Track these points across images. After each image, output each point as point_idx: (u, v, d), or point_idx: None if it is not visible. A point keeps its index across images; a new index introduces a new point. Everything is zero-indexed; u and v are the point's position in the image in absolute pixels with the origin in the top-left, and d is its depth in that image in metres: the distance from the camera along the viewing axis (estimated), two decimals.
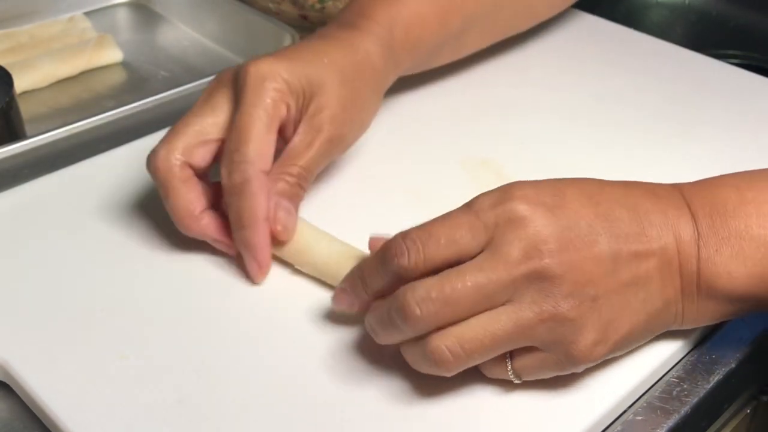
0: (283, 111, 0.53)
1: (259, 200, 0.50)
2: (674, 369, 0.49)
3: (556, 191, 0.44)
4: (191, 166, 0.52)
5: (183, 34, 0.87)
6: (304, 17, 0.83)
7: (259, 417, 0.44)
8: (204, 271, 0.53)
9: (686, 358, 0.50)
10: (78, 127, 0.64)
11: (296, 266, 0.53)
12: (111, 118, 0.65)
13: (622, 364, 0.47)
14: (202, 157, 0.53)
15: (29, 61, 0.77)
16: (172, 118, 0.67)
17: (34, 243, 0.55)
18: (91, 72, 0.80)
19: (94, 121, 0.64)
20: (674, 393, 0.48)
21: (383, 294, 0.45)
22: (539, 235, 0.42)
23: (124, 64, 0.82)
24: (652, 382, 0.48)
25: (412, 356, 0.44)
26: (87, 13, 0.87)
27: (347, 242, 0.53)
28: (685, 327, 0.47)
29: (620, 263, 0.43)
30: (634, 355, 0.47)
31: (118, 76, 0.81)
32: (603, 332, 0.43)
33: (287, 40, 0.75)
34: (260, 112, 0.51)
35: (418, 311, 0.41)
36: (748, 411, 0.59)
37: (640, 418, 0.46)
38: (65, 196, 0.59)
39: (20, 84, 0.74)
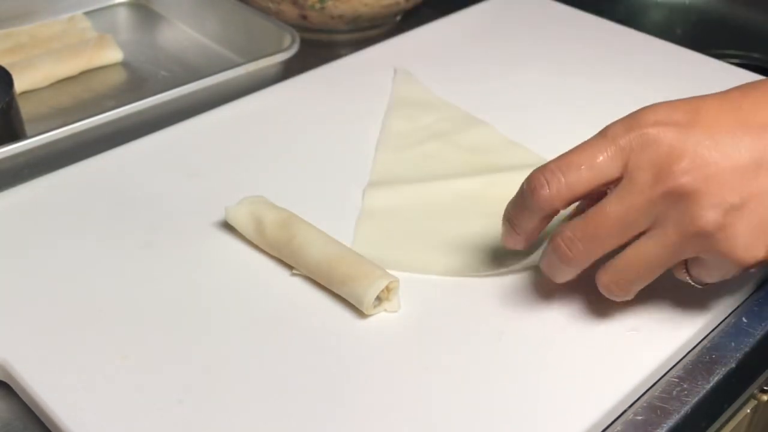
0: None
1: None
2: (674, 369, 0.49)
3: (690, 107, 0.44)
4: None
5: (183, 34, 0.87)
6: (304, 17, 0.83)
7: (259, 417, 0.44)
8: (204, 272, 0.53)
9: (686, 358, 0.50)
10: (78, 127, 0.64)
11: (293, 267, 0.53)
12: (111, 118, 0.65)
13: (622, 363, 0.47)
14: None
15: (29, 61, 0.77)
16: (172, 118, 0.67)
17: (34, 243, 0.55)
18: (91, 72, 0.80)
19: (94, 121, 0.64)
20: (674, 393, 0.48)
21: (538, 230, 0.47)
22: (672, 155, 0.42)
23: (124, 64, 0.82)
24: (652, 382, 0.48)
25: (602, 288, 0.47)
26: (87, 13, 0.87)
27: (342, 242, 0.53)
28: None
29: (764, 168, 0.42)
30: (634, 354, 0.48)
31: (118, 76, 0.81)
32: (757, 233, 0.43)
33: (287, 40, 0.75)
34: None
35: (569, 253, 0.45)
36: (748, 411, 0.59)
37: (640, 418, 0.46)
38: (65, 196, 0.59)
39: (20, 84, 0.74)
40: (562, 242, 0.45)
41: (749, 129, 0.43)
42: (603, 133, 0.45)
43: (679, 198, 0.42)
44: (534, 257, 0.52)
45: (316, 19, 0.82)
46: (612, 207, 0.44)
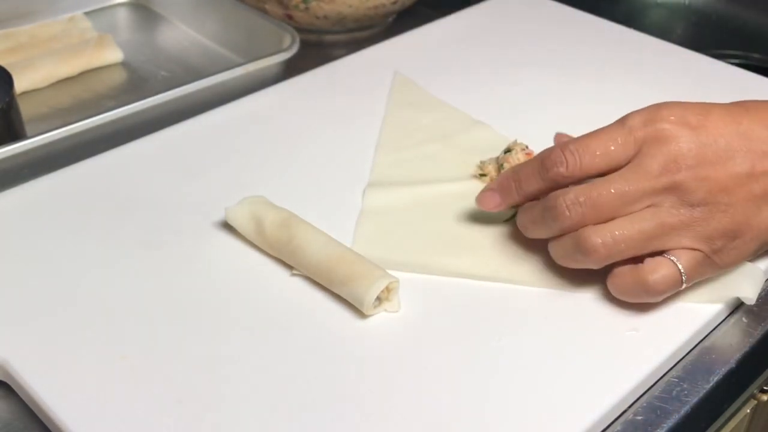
0: None
1: None
2: (674, 369, 0.49)
3: (701, 111, 0.49)
4: None
5: (183, 34, 0.87)
6: (290, 17, 0.82)
7: (259, 417, 0.44)
8: (204, 272, 0.53)
9: (686, 358, 0.50)
10: (78, 127, 0.64)
11: (293, 267, 0.53)
12: (111, 118, 0.65)
13: (622, 363, 0.47)
14: None
15: (29, 61, 0.77)
16: (172, 118, 0.67)
17: (34, 243, 0.55)
18: (91, 72, 0.80)
19: (94, 121, 0.64)
20: (674, 393, 0.48)
21: (534, 197, 0.51)
22: (679, 151, 0.48)
23: (124, 64, 0.82)
24: (652, 382, 0.48)
25: (561, 250, 0.50)
26: (87, 13, 0.88)
27: (342, 242, 0.53)
28: None
29: (754, 178, 0.48)
30: (634, 354, 0.48)
31: (118, 76, 0.81)
32: (735, 231, 0.48)
33: (287, 40, 0.75)
34: None
35: (567, 213, 0.48)
36: (748, 411, 0.59)
37: (640, 418, 0.46)
38: (65, 196, 0.59)
39: (20, 84, 0.74)
40: (565, 202, 0.48)
41: (744, 142, 0.49)
42: (622, 123, 0.50)
43: (678, 190, 0.47)
44: (530, 277, 0.52)
45: (302, 19, 0.82)
46: (617, 185, 0.48)
